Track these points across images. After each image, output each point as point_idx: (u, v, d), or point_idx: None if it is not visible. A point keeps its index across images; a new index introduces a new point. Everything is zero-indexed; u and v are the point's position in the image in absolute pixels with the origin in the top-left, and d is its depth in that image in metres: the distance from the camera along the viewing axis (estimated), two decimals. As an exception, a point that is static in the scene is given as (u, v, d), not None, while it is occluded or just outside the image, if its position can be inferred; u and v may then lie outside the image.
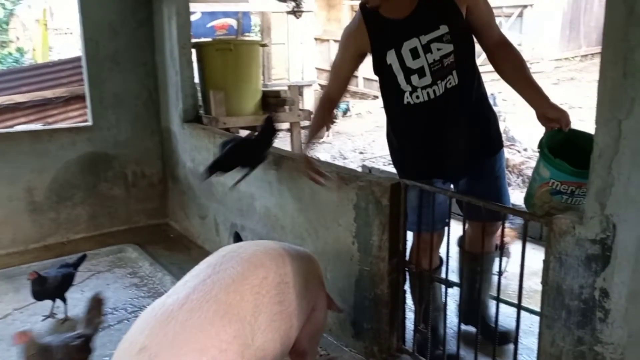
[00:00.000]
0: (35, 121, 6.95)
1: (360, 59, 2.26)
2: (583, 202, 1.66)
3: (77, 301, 3.03)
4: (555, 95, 5.10)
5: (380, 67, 2.13)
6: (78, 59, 8.05)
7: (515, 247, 2.89)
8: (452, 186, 2.32)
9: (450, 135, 2.15)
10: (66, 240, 3.96)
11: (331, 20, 13.73)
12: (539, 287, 1.71)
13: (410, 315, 2.43)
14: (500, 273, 2.64)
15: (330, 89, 2.40)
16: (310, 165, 2.37)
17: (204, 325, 1.47)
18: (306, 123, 8.10)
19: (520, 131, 7.46)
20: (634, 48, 1.31)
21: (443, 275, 2.25)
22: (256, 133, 3.01)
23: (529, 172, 5.46)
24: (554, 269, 1.63)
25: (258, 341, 1.60)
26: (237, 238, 2.95)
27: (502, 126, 6.26)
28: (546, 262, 1.66)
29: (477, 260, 2.22)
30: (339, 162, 6.88)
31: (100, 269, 3.49)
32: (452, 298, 2.48)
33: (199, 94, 4.14)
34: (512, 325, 1.97)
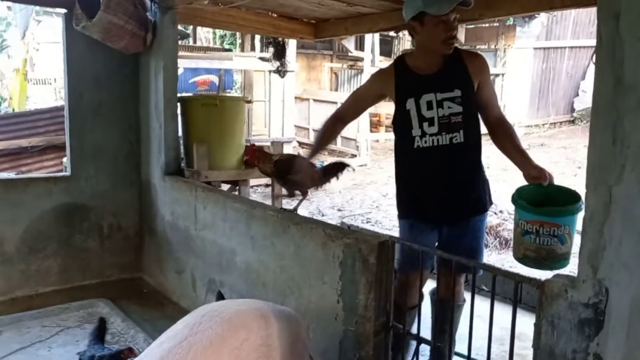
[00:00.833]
0: (9, 169, 6.83)
1: (378, 98, 2.65)
2: (552, 243, 1.97)
3: (42, 358, 2.88)
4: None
5: (400, 112, 2.44)
6: (56, 108, 8.04)
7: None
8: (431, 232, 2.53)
9: (445, 182, 2.42)
10: (35, 294, 3.79)
11: (311, 80, 14.08)
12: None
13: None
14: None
15: (344, 110, 2.69)
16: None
17: None
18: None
19: (496, 193, 7.60)
20: (622, 116, 1.36)
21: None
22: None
23: (506, 234, 5.53)
24: (546, 333, 1.62)
25: None
26: (220, 298, 2.87)
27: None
28: (537, 325, 1.65)
29: (448, 310, 2.33)
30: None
31: (69, 324, 3.33)
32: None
33: (182, 148, 4.14)
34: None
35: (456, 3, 2.23)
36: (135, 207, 4.22)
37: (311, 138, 12.92)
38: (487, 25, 13.52)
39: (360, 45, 12.67)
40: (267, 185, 8.21)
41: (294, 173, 2.63)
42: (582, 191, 1.51)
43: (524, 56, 13.56)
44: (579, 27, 13.91)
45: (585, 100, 13.66)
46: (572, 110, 14.26)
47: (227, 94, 9.67)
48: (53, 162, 7.21)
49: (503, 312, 2.33)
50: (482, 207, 2.53)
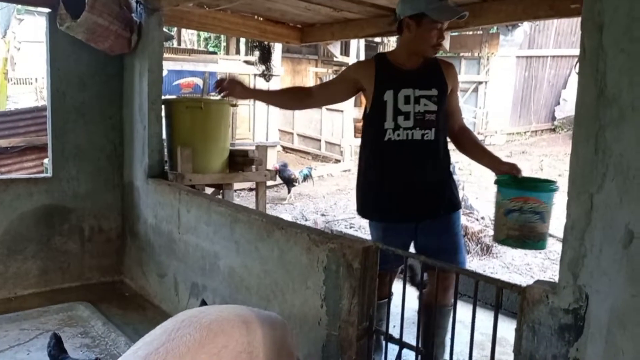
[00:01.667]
0: (-13, 170, 6.71)
1: (352, 89, 2.62)
2: (534, 220, 2.12)
3: (21, 363, 2.83)
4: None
5: (375, 104, 2.45)
6: (37, 109, 7.93)
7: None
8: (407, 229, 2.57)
9: (417, 177, 2.48)
10: (13, 296, 3.73)
11: (296, 84, 14.06)
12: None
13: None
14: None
15: (315, 90, 2.74)
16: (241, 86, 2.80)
17: None
18: (271, 183, 8.10)
19: (478, 200, 7.68)
20: (604, 127, 1.39)
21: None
22: None
23: (487, 240, 5.59)
24: (527, 338, 1.64)
25: None
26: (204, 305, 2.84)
27: (460, 194, 6.46)
28: (518, 330, 1.67)
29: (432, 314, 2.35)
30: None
31: (49, 327, 3.27)
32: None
33: (165, 150, 4.11)
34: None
35: (458, 15, 2.33)
36: (117, 209, 4.17)
37: (295, 143, 12.93)
38: (471, 33, 13.70)
39: (345, 51, 12.72)
40: (250, 190, 8.21)
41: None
42: (563, 199, 1.53)
43: (506, 64, 13.76)
44: (561, 37, 14.15)
45: (566, 109, 13.89)
46: (554, 118, 14.48)
47: (212, 97, 9.63)
48: (33, 163, 7.11)
49: (483, 317, 2.36)
50: (457, 204, 2.61)
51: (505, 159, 2.66)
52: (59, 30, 3.62)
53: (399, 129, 2.42)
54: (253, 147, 4.42)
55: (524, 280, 4.79)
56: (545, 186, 2.29)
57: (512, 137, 13.79)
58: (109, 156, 4.12)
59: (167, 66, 8.58)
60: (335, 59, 12.60)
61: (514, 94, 13.88)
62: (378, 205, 2.57)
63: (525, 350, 1.65)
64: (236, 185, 5.83)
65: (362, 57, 12.49)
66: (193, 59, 9.90)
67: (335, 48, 11.49)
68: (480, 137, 12.60)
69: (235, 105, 5.27)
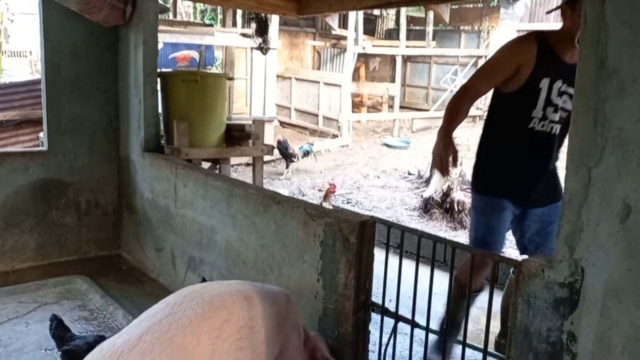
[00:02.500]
0: (-17, 143, 6.67)
1: (512, 72, 2.41)
2: None
3: (20, 334, 2.86)
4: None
5: (528, 88, 2.37)
6: (32, 82, 7.85)
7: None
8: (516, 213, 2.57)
9: (543, 167, 2.51)
10: (11, 270, 3.74)
11: (293, 58, 13.97)
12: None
13: (372, 357, 2.40)
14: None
15: (479, 87, 2.50)
16: (449, 150, 2.38)
17: None
18: (269, 157, 8.09)
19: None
20: (604, 100, 1.37)
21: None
22: None
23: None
24: (522, 312, 1.65)
25: None
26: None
27: (458, 170, 6.45)
28: (514, 304, 1.68)
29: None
30: (298, 199, 6.86)
31: (47, 300, 3.30)
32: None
33: (162, 124, 4.08)
34: None
35: None
36: (114, 184, 4.16)
37: (293, 117, 12.85)
38: (471, 6, 13.52)
39: (343, 24, 12.57)
40: (247, 164, 8.19)
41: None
42: (562, 173, 1.53)
43: (507, 38, 13.58)
44: (562, 11, 13.94)
45: (565, 84, 13.76)
46: (552, 93, 14.36)
47: (208, 71, 9.53)
48: (29, 137, 7.06)
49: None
50: (561, 194, 2.67)
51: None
52: (52, 2, 3.55)
53: (546, 120, 2.40)
54: (250, 122, 4.39)
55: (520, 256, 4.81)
56: None
57: (510, 112, 13.71)
58: (104, 130, 4.08)
59: (163, 39, 8.47)
60: (333, 32, 12.46)
61: (513, 69, 13.75)
62: (495, 182, 2.54)
63: (520, 323, 1.66)
64: (233, 161, 5.82)
65: (361, 31, 12.33)
66: (189, 31, 9.77)
67: (333, 21, 11.33)
68: (478, 112, 12.55)
69: (231, 79, 5.22)
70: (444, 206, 6.22)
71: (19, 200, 3.77)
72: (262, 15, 5.77)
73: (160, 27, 4.40)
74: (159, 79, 3.93)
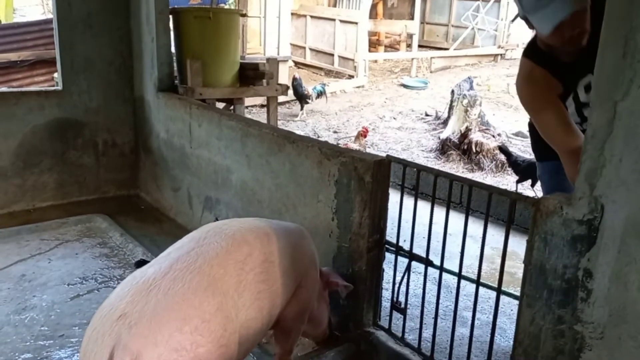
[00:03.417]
0: (-1, 84, 6.68)
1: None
2: None
3: (43, 269, 2.94)
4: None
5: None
6: (45, 21, 7.74)
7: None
8: None
9: None
10: (32, 208, 3.83)
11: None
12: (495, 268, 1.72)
13: (385, 294, 2.43)
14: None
15: (571, 140, 2.00)
16: None
17: (187, 295, 1.42)
18: (283, 98, 7.97)
19: (495, 117, 7.54)
20: (635, 29, 1.30)
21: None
22: None
23: (502, 157, 5.52)
24: (538, 249, 1.63)
25: (241, 318, 1.57)
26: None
27: (477, 110, 6.32)
28: (530, 242, 1.66)
29: None
30: (314, 140, 6.83)
31: (68, 237, 3.38)
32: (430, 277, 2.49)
33: (175, 63, 4.02)
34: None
35: None
36: (129, 124, 4.16)
37: (307, 57, 12.60)
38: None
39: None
40: (262, 106, 8.11)
41: None
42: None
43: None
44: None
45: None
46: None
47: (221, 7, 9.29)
48: (44, 78, 7.04)
49: (494, 232, 2.35)
50: None
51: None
52: None
53: (586, 120, 2.26)
54: (264, 61, 4.30)
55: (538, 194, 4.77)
56: None
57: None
58: (118, 69, 4.05)
59: (175, -24, 8.23)
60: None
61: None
62: None
63: (535, 260, 1.65)
64: (247, 102, 5.76)
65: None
66: (201, -33, 9.47)
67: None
68: (500, 51, 12.17)
69: (244, 15, 5.08)
70: (461, 147, 6.12)
71: (36, 140, 3.80)
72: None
73: (171, -38, 4.24)
74: (170, 17, 3.85)
